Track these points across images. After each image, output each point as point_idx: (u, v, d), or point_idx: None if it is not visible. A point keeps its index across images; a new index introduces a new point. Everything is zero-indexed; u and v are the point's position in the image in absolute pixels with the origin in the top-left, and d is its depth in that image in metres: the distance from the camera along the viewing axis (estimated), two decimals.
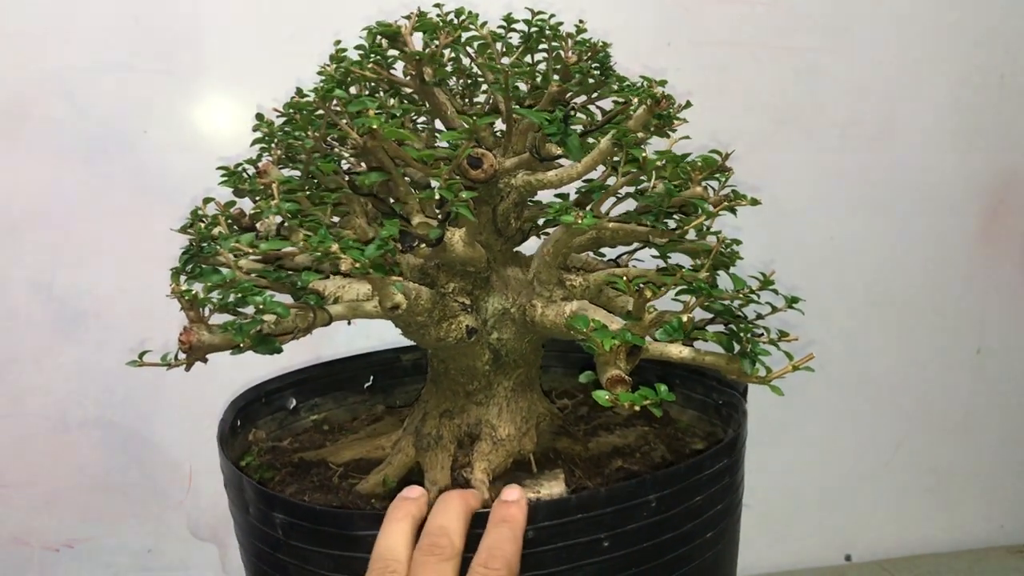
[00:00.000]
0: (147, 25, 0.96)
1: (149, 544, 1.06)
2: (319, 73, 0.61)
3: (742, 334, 0.51)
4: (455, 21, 0.62)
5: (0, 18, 0.93)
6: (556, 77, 0.60)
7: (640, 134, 0.54)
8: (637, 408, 0.45)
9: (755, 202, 0.59)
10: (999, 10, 1.17)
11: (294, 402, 0.78)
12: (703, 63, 1.09)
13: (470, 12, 0.63)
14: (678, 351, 0.51)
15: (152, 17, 0.96)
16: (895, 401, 1.24)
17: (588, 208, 0.54)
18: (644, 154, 0.51)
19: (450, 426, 0.65)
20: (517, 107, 0.59)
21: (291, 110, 0.60)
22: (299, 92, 0.60)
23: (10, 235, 0.97)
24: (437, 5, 0.64)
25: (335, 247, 0.45)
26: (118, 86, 0.96)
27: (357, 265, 0.45)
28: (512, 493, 0.49)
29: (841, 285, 1.18)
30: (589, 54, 0.60)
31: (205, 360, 0.49)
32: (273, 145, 0.60)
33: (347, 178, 0.57)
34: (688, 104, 0.54)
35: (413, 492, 0.51)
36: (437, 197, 0.51)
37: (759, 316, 0.58)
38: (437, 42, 0.59)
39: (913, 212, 1.19)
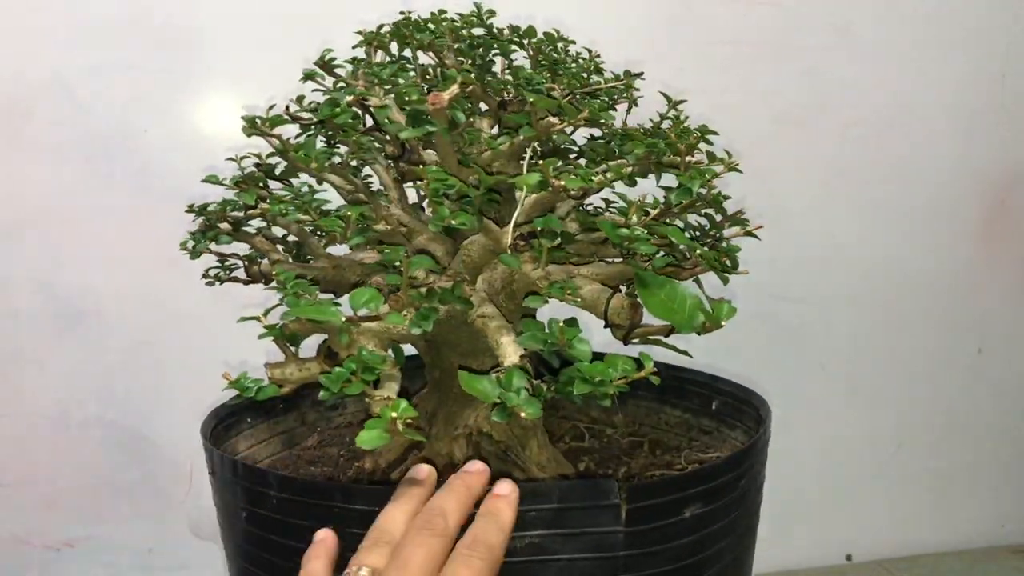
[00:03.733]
0: (147, 25, 0.96)
1: (149, 544, 1.06)
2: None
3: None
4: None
5: (0, 18, 0.93)
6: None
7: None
8: None
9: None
10: (999, 10, 1.17)
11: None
12: (704, 63, 1.09)
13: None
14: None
15: (152, 17, 0.96)
16: (895, 401, 1.24)
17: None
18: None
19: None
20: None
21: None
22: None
23: (11, 235, 0.97)
24: (387, 13, 0.67)
25: None
26: (118, 86, 0.96)
27: None
28: (504, 487, 0.50)
29: (841, 285, 1.18)
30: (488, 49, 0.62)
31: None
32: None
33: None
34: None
35: (420, 473, 0.51)
36: None
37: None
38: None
39: (913, 212, 1.19)
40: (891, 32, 1.14)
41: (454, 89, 0.45)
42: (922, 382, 1.24)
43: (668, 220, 0.54)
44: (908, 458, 1.26)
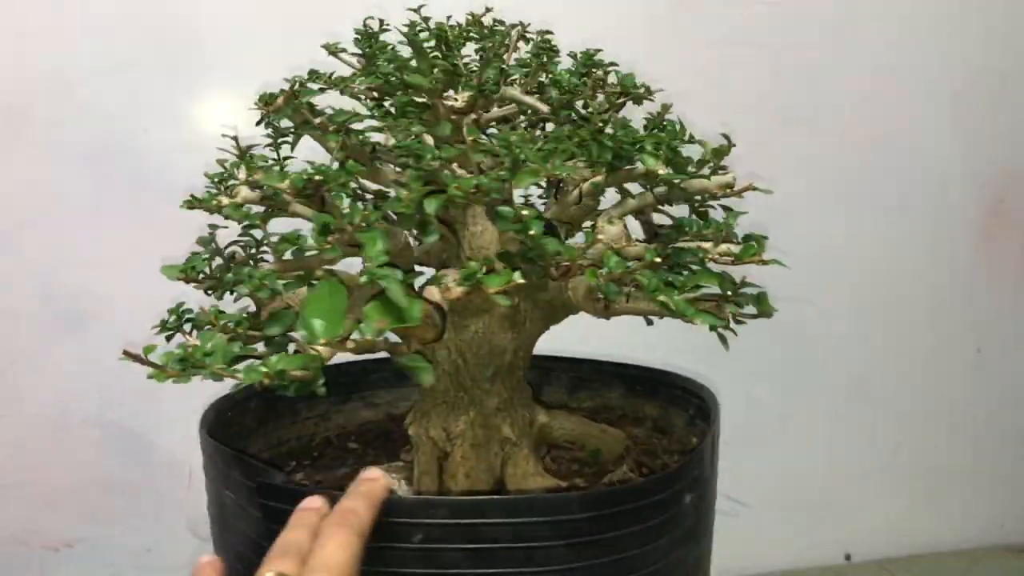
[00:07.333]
0: (147, 25, 0.96)
1: (149, 544, 1.06)
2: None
3: None
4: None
5: (0, 18, 0.93)
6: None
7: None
8: None
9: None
10: (999, 10, 1.17)
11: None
12: (703, 63, 1.09)
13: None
14: None
15: (152, 17, 0.96)
16: (895, 401, 1.24)
17: None
18: None
19: None
20: None
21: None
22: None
23: (11, 235, 0.97)
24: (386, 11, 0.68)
25: None
26: (118, 85, 0.96)
27: None
28: (373, 472, 0.52)
29: (841, 285, 1.18)
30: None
31: None
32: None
33: None
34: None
35: (314, 503, 0.51)
36: None
37: None
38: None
39: (913, 212, 1.19)
40: (891, 32, 1.14)
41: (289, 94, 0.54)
42: (922, 382, 1.24)
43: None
44: (908, 458, 1.26)
